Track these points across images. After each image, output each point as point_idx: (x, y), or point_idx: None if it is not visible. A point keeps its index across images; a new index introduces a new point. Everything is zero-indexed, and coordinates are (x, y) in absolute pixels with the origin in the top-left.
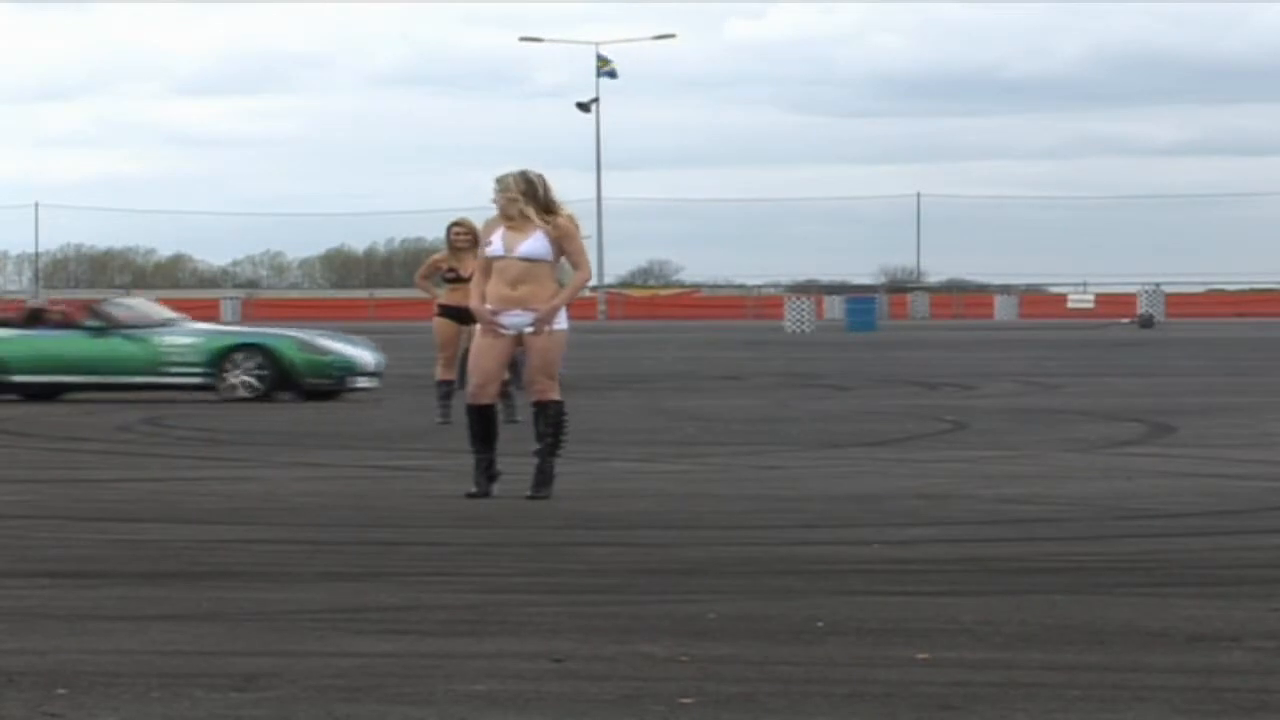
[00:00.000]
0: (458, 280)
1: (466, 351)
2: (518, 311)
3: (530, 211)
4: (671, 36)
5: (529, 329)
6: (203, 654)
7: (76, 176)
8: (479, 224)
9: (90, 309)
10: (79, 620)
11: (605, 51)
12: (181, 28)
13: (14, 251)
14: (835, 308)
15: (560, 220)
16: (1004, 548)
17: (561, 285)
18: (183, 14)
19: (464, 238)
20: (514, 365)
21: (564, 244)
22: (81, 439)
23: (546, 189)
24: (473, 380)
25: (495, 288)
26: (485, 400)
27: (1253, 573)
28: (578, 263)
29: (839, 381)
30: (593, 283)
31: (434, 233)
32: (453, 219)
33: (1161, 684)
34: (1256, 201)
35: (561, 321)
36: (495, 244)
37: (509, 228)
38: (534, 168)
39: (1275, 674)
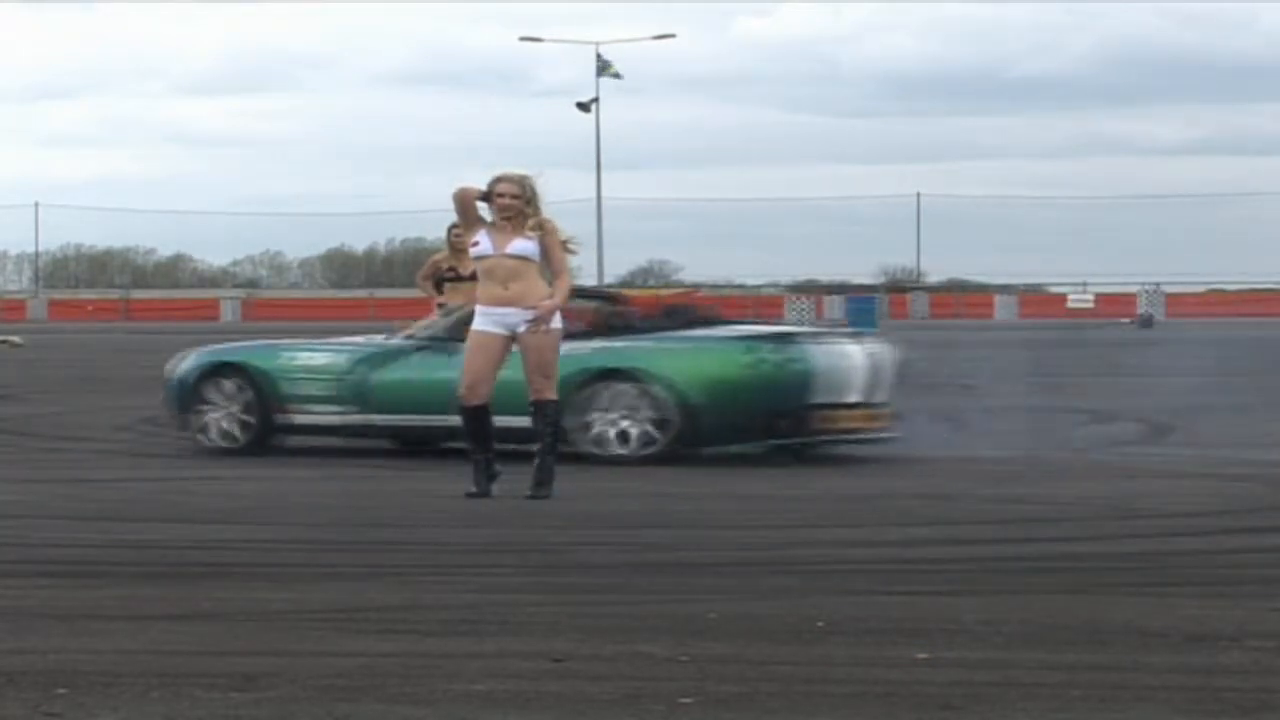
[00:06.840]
0: (458, 280)
1: None
2: (512, 310)
3: (528, 211)
4: (671, 36)
5: (523, 327)
6: (203, 654)
7: (76, 176)
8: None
9: None
10: (79, 620)
11: (605, 51)
12: (183, 27)
13: (14, 251)
14: (835, 307)
15: (548, 222)
16: (1004, 548)
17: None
18: (184, 14)
19: (464, 238)
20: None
21: (550, 247)
22: (81, 439)
23: (535, 191)
24: (464, 380)
25: (486, 288)
26: (476, 401)
27: (1253, 573)
28: (559, 269)
29: None
30: (592, 282)
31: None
32: (453, 219)
33: (1161, 684)
34: (1256, 201)
35: (555, 320)
36: (483, 244)
37: (497, 228)
38: (530, 168)
39: (1275, 674)
